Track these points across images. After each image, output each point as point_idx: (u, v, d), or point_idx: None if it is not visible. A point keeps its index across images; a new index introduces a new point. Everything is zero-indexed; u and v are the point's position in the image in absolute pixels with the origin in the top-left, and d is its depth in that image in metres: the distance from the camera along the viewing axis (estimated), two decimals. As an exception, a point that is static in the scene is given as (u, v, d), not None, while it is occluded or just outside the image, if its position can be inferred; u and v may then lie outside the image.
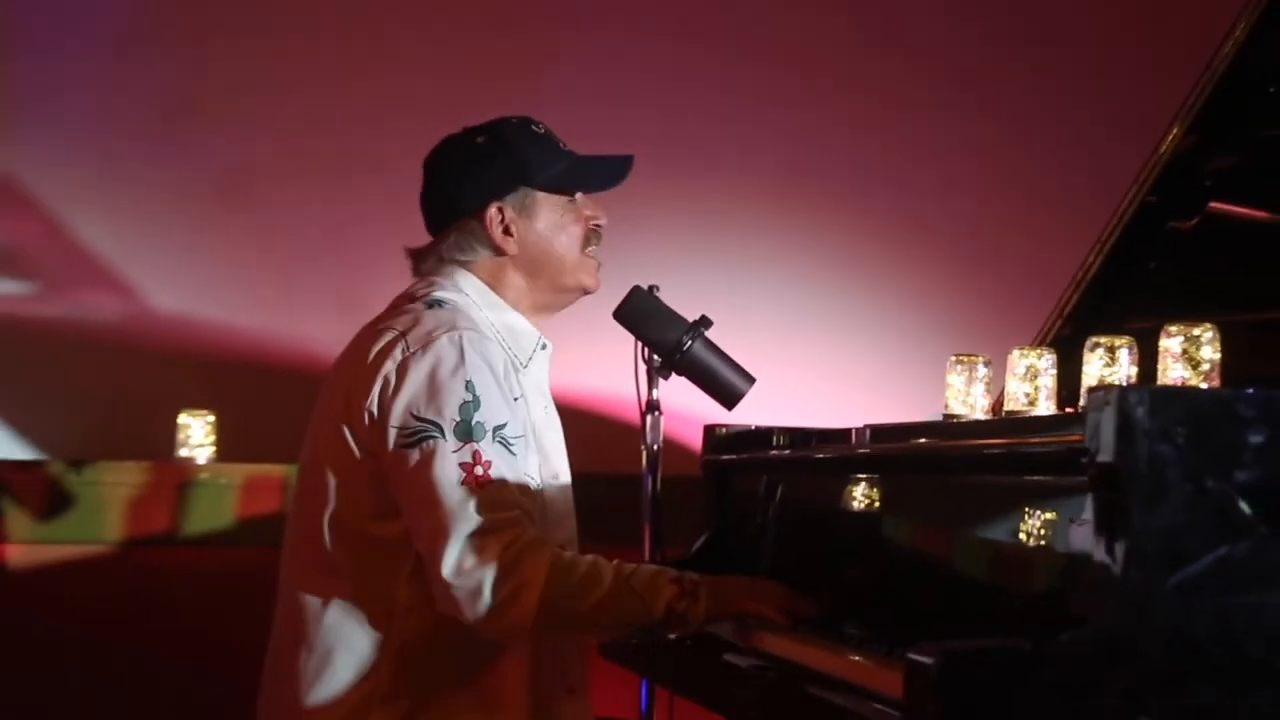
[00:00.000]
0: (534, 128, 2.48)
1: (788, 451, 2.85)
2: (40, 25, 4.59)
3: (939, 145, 4.94)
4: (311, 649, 2.28)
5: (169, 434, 4.02)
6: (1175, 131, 2.97)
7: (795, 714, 2.20)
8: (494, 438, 2.24)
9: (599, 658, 2.97)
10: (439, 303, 2.38)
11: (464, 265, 2.44)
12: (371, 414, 2.25)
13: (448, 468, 2.20)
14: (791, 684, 2.19)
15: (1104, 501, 1.79)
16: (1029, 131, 4.93)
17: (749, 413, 2.99)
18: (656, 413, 2.82)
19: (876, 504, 2.50)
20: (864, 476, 2.52)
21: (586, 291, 2.52)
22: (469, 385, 2.24)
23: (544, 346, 2.48)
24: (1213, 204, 3.01)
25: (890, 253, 4.89)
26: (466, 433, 2.22)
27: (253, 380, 4.46)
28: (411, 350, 2.26)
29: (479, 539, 2.18)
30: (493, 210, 2.41)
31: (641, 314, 2.62)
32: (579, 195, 2.49)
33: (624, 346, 2.65)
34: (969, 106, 4.94)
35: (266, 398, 4.24)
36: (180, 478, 3.80)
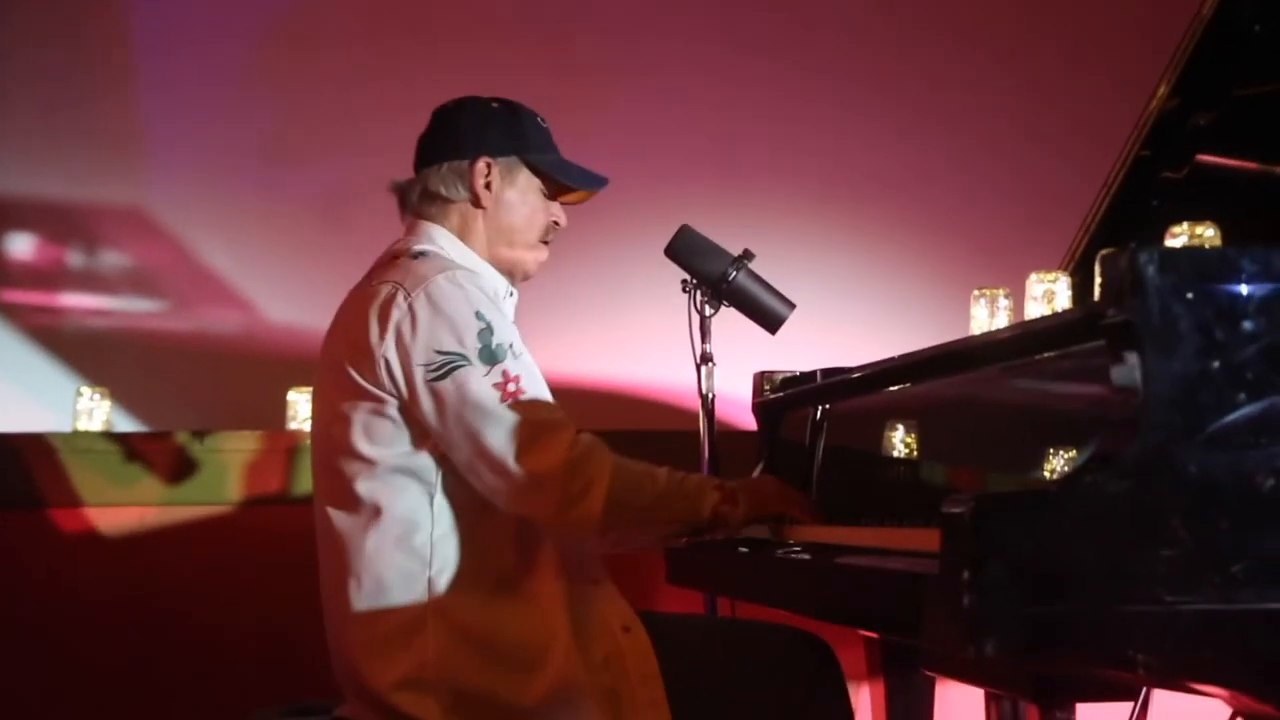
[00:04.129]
0: (539, 120, 2.42)
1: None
2: (164, 72, 4.60)
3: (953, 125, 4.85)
4: (359, 579, 2.15)
5: (280, 411, 3.99)
6: (1162, 90, 2.90)
7: (841, 586, 2.10)
8: (513, 354, 2.15)
9: (666, 584, 2.88)
10: (422, 253, 2.27)
11: (438, 214, 2.34)
12: (388, 360, 2.13)
13: (485, 389, 2.11)
14: (841, 560, 2.09)
15: (1121, 355, 1.69)
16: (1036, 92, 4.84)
17: (792, 362, 2.91)
18: (710, 364, 2.75)
19: (911, 418, 2.41)
20: (896, 390, 2.43)
21: (525, 274, 2.41)
22: (478, 314, 2.14)
23: (511, 294, 2.38)
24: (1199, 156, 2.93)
25: (912, 212, 4.78)
26: (490, 356, 2.12)
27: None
28: (413, 295, 2.14)
29: (541, 442, 2.09)
30: (482, 163, 2.33)
31: (690, 249, 2.56)
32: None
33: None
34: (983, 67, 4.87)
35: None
36: (290, 444, 3.76)
